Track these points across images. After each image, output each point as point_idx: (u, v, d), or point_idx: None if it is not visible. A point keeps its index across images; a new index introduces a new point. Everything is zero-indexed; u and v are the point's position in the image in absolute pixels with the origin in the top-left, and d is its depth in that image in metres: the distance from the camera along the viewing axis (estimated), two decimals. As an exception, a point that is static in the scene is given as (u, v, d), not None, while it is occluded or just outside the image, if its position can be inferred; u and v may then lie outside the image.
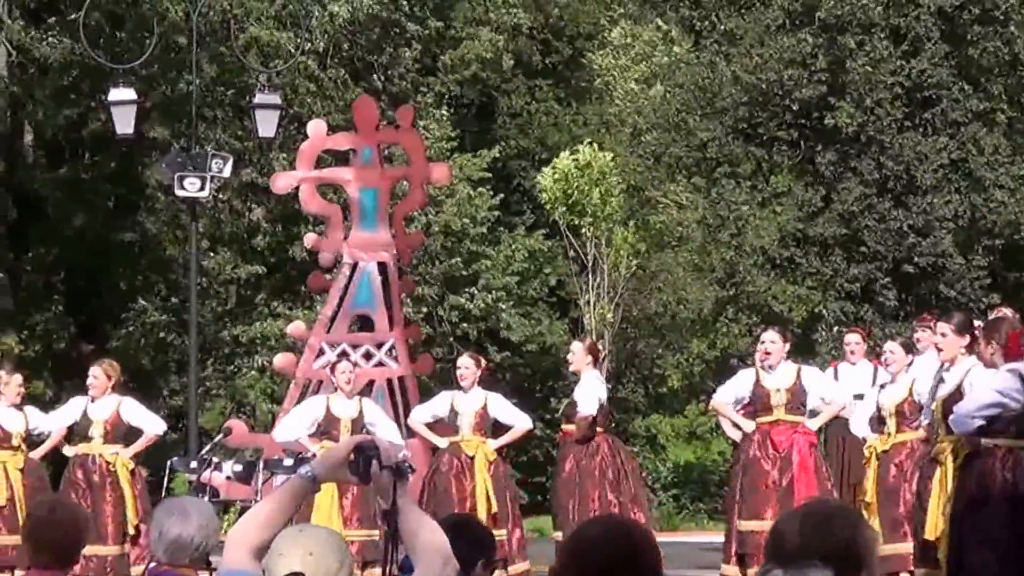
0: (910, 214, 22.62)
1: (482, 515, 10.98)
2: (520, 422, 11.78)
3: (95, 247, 21.91)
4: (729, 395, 10.78)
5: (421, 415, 11.95)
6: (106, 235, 21.86)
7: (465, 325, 22.11)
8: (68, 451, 11.61)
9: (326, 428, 11.16)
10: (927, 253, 22.53)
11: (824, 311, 22.63)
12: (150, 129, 21.21)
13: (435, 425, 11.83)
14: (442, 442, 11.65)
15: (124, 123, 15.93)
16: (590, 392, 11.29)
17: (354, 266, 14.61)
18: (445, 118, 23.04)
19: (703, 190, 23.60)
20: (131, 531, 11.38)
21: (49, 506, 5.36)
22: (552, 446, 21.25)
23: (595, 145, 21.19)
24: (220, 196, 21.25)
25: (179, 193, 15.82)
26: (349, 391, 11.32)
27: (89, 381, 11.52)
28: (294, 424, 11.38)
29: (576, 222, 20.11)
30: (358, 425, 11.17)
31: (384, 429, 11.20)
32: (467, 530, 4.52)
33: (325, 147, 15.37)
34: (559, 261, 22.92)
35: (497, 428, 11.73)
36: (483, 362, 11.90)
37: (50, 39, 20.23)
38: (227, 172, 16.16)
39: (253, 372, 21.83)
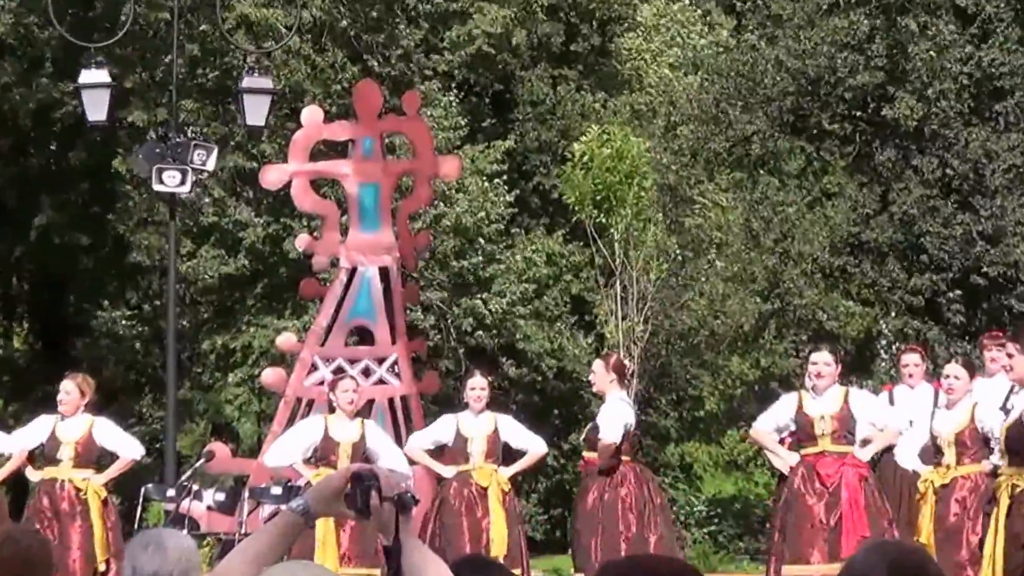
0: (978, 218, 22.57)
1: (497, 553, 11.00)
2: (535, 446, 11.79)
3: (61, 248, 21.95)
4: (770, 423, 10.75)
5: (421, 441, 11.94)
6: (73, 235, 21.89)
7: (480, 334, 22.01)
8: (32, 475, 11.63)
9: (323, 453, 11.11)
10: (997, 262, 22.46)
11: (881, 327, 22.57)
12: (126, 116, 21.27)
13: (436, 453, 11.82)
14: (447, 471, 11.62)
15: (96, 109, 15.97)
16: (614, 416, 11.24)
17: (352, 271, 14.65)
18: (454, 105, 23.02)
19: (744, 189, 23.56)
20: (100, 567, 11.37)
21: (8, 537, 5.24)
22: (571, 477, 21.29)
23: (628, 130, 21.12)
24: (203, 191, 21.23)
25: (157, 188, 15.81)
26: (351, 412, 11.30)
27: (60, 397, 11.51)
28: (288, 448, 11.33)
29: (604, 221, 20.03)
30: (359, 450, 11.14)
31: (389, 456, 11.19)
32: (485, 573, 4.47)
33: (321, 137, 15.36)
34: (581, 266, 22.83)
35: (506, 455, 11.74)
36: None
37: (7, 11, 20.28)
38: (211, 164, 16.15)
39: (236, 388, 21.78)
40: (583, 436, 11.47)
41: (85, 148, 22.06)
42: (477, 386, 11.69)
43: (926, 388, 11.80)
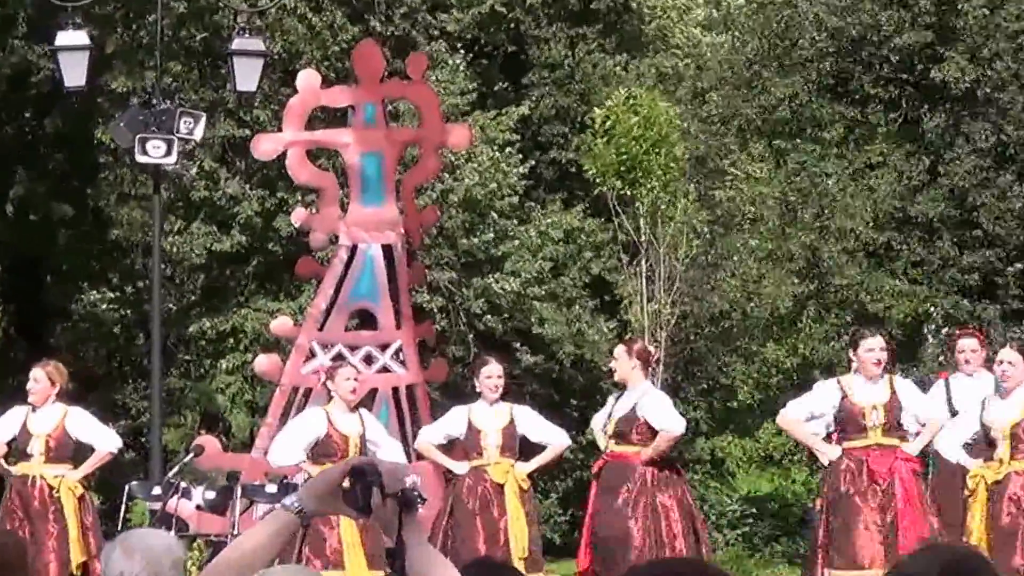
0: (1035, 190, 22.52)
1: (516, 556, 11.01)
2: (556, 439, 11.79)
3: (37, 225, 21.94)
4: (802, 411, 10.70)
5: (432, 436, 11.91)
6: (50, 210, 21.88)
7: (492, 318, 21.95)
8: (7, 471, 11.60)
9: (328, 449, 11.04)
10: (1057, 237, 22.42)
11: (930, 309, 22.52)
12: (107, 81, 21.24)
13: (446, 448, 11.79)
14: (460, 467, 11.59)
15: (74, 74, 15.97)
16: (665, 404, 11.23)
17: (353, 249, 14.66)
18: (462, 68, 23.00)
19: (780, 160, 23.51)
20: (75, 571, 11.35)
21: (-22, 537, 5.29)
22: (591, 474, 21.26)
23: (657, 93, 21.06)
24: (190, 162, 21.23)
25: (140, 159, 15.82)
26: (351, 402, 11.25)
27: (29, 386, 11.49)
28: (292, 443, 11.25)
29: (628, 194, 19.99)
30: (364, 444, 11.12)
31: (387, 448, 11.17)
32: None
33: (318, 103, 15.41)
34: (603, 244, 22.80)
35: (524, 450, 11.69)
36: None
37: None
38: (199, 133, 16.19)
39: (227, 376, 21.81)
40: (612, 427, 11.33)
41: (62, 116, 22.03)
42: (493, 374, 11.65)
43: (985, 376, 11.62)
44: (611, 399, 11.67)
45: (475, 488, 11.46)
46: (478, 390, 11.73)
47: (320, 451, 11.06)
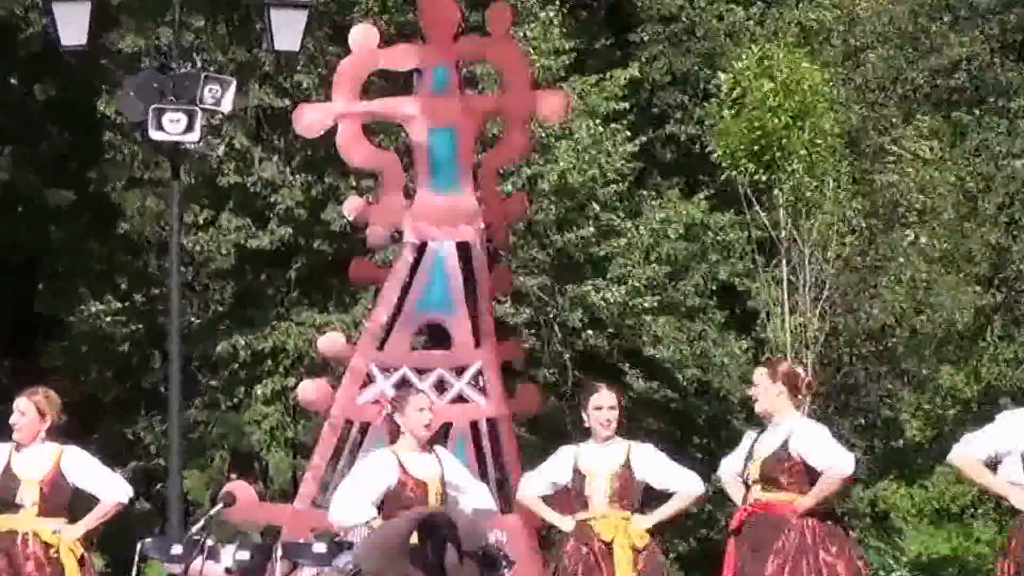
0: None
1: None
2: (685, 484, 11.69)
3: (25, 217, 22.06)
4: (984, 447, 10.56)
5: (536, 485, 11.80)
6: (42, 199, 21.99)
7: (590, 335, 21.90)
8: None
9: (401, 500, 10.83)
10: None
11: None
12: (113, 41, 21.34)
13: (554, 498, 11.70)
14: (566, 523, 11.52)
15: (72, 30, 15.99)
16: (824, 437, 11.09)
17: (421, 247, 14.63)
18: (556, 22, 23.01)
19: (956, 136, 23.43)
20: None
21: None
22: (719, 533, 21.20)
23: (798, 52, 21.04)
24: (217, 140, 21.31)
25: (154, 136, 15.75)
26: (424, 440, 11.16)
27: (13, 419, 11.37)
28: (360, 495, 11.11)
29: (764, 179, 19.94)
30: (446, 490, 10.88)
31: (475, 496, 11.04)
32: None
33: (376, 66, 15.25)
34: (733, 242, 22.78)
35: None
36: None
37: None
38: (227, 104, 16.14)
39: (264, 406, 21.83)
40: (757, 471, 11.19)
41: (58, 83, 22.14)
42: (604, 404, 11.54)
43: None
44: (747, 437, 11.54)
45: (579, 549, 11.33)
46: (586, 425, 11.61)
47: (392, 504, 10.91)
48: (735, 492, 11.48)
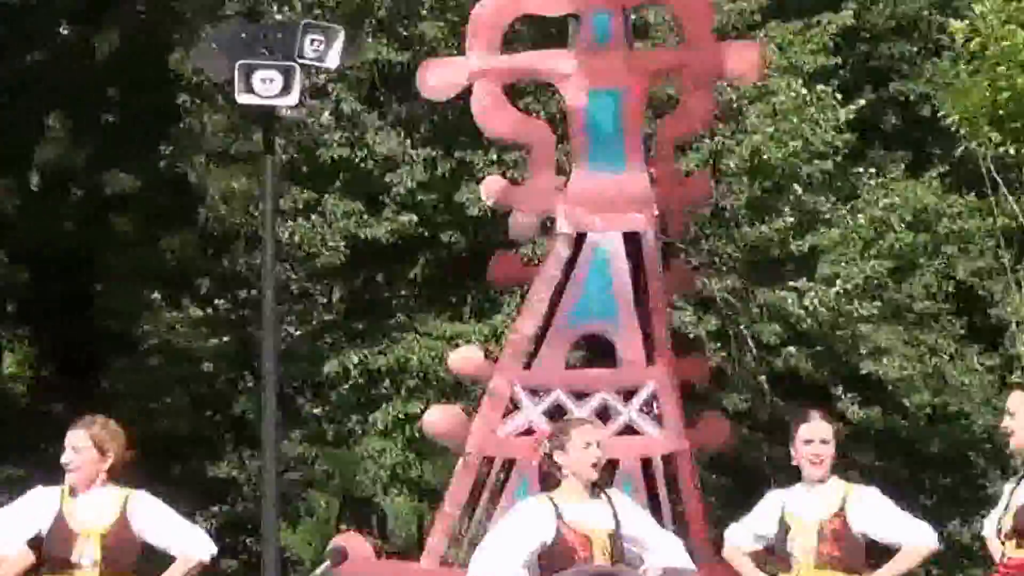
0: None
1: None
2: (913, 536, 11.67)
3: (78, 206, 22.14)
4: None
5: (742, 537, 11.96)
6: (99, 181, 22.07)
7: (792, 351, 21.88)
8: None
9: (560, 559, 10.83)
10: None
11: None
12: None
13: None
14: (768, 588, 11.70)
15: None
16: None
17: (578, 240, 14.74)
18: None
19: None
20: None
21: None
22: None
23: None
24: (321, 104, 21.39)
25: (242, 99, 15.95)
26: (588, 480, 11.05)
27: (65, 458, 11.42)
28: (508, 553, 11.05)
29: (1013, 152, 19.79)
30: (618, 543, 10.95)
31: (664, 551, 11.03)
32: None
33: (520, 12, 15.48)
34: (974, 232, 22.64)
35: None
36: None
37: None
38: (333, 59, 16.27)
39: (382, 440, 21.90)
40: (1011, 521, 11.17)
41: (119, 34, 22.23)
42: (816, 437, 11.60)
43: None
44: (1008, 487, 11.46)
45: (780, 621, 11.54)
46: (794, 463, 11.66)
47: (549, 563, 10.84)
48: (996, 550, 11.57)
